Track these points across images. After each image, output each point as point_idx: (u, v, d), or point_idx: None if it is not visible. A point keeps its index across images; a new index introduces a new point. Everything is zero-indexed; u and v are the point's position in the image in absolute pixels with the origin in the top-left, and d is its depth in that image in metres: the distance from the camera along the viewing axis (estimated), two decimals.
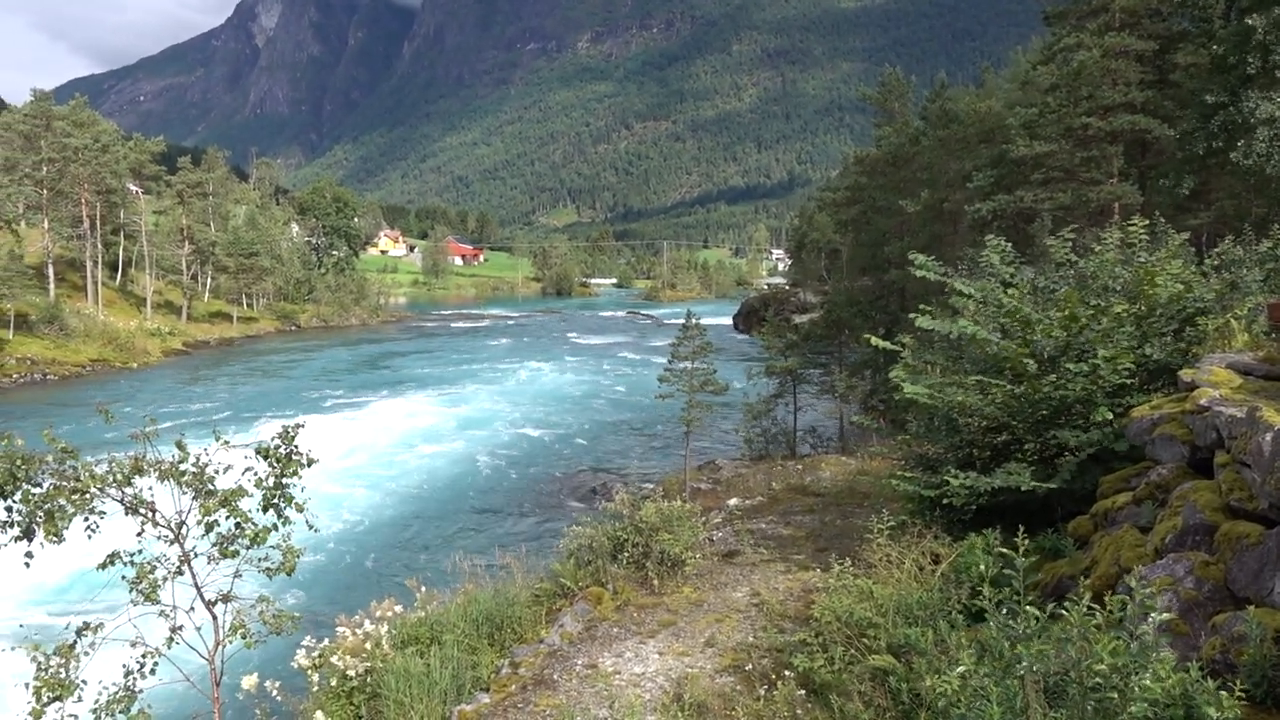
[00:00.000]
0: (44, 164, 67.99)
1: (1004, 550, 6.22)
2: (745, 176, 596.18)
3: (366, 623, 12.04)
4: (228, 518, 7.72)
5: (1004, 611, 5.64)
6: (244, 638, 7.86)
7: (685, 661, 11.68)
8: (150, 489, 7.89)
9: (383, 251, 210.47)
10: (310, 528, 7.99)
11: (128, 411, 44.62)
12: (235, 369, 62.11)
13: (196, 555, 7.93)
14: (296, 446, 7.87)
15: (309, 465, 7.96)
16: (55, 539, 7.75)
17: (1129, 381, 11.60)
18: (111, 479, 7.42)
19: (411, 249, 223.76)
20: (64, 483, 7.42)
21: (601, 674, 11.48)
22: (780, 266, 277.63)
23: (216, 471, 7.76)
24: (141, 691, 8.69)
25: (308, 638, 13.37)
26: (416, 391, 49.39)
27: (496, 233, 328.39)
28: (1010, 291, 13.50)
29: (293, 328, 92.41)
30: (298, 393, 50.43)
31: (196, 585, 7.90)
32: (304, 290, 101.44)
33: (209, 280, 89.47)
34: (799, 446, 29.40)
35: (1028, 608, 5.46)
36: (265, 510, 7.83)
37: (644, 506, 15.14)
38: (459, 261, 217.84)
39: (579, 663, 11.92)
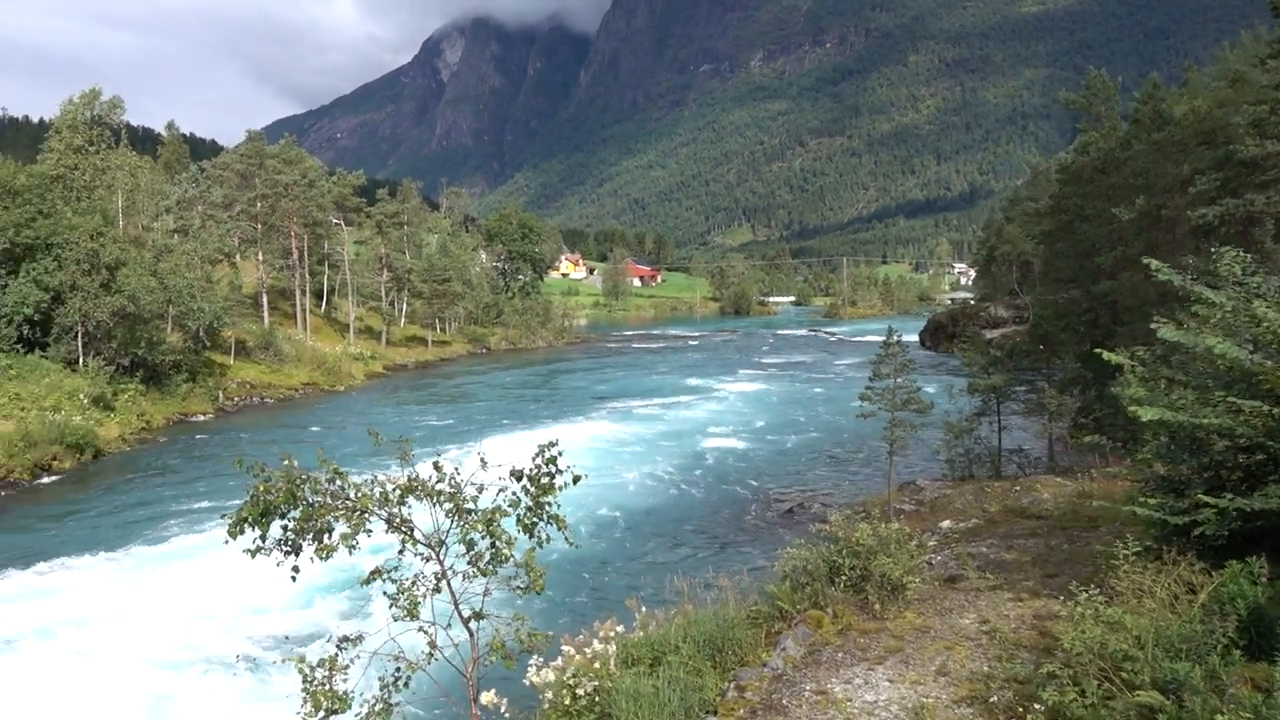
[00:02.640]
0: (258, 200, 72.87)
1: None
2: (924, 189, 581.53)
3: (595, 642, 12.14)
4: (484, 537, 7.88)
5: None
6: (504, 658, 8.00)
7: (919, 690, 11.24)
8: (409, 507, 8.15)
9: (564, 274, 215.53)
10: (570, 543, 8.05)
11: (346, 432, 47.01)
12: (434, 390, 64.68)
13: (454, 573, 8.14)
14: (556, 466, 7.97)
15: (575, 482, 8.05)
16: (325, 556, 8.10)
17: None
18: (384, 499, 7.69)
19: (591, 271, 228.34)
20: (337, 502, 7.74)
21: (832, 701, 11.19)
22: (964, 280, 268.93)
23: (478, 491, 7.94)
24: (398, 704, 8.98)
25: (534, 655, 13.61)
26: (607, 411, 50.13)
27: (673, 253, 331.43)
28: (1257, 303, 12.44)
29: (483, 350, 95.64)
30: (496, 413, 52.03)
31: (455, 602, 8.10)
32: (492, 314, 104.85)
33: (405, 306, 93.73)
34: (1004, 467, 28.20)
35: None
36: (524, 531, 7.96)
37: (859, 528, 14.75)
38: (637, 283, 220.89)
39: (807, 688, 11.65)
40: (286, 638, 17.42)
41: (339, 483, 7.80)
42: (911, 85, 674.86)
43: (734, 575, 15.46)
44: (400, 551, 8.25)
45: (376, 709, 8.65)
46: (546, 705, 11.72)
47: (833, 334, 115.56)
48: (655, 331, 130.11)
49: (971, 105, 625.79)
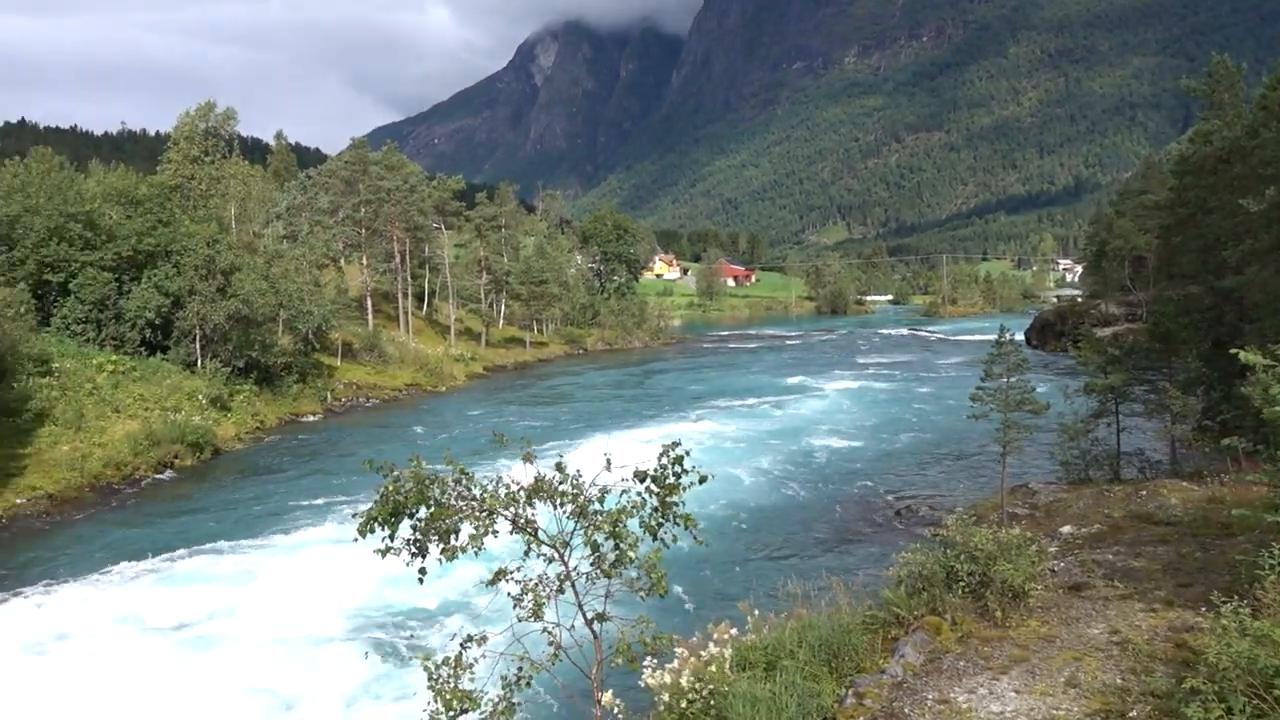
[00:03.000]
0: (362, 205, 74.63)
1: None
2: (1026, 184, 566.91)
3: (711, 645, 12.07)
4: (608, 538, 7.88)
5: None
6: (630, 660, 7.99)
7: (1048, 703, 10.91)
8: (533, 509, 8.18)
9: (657, 275, 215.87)
10: (698, 541, 8.00)
11: (450, 433, 47.80)
12: (533, 391, 65.42)
13: (579, 575, 8.17)
14: (682, 466, 7.92)
15: (701, 482, 8.00)
16: (450, 557, 8.19)
17: None
18: (510, 500, 7.74)
19: (684, 272, 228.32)
20: (464, 503, 7.83)
21: (956, 710, 10.94)
22: (1069, 277, 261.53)
23: (601, 493, 7.93)
24: (519, 703, 9.04)
25: (648, 657, 13.60)
26: (709, 410, 49.91)
27: (767, 253, 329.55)
28: None
29: (580, 351, 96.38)
30: (597, 412, 52.34)
31: (579, 604, 8.13)
32: (588, 315, 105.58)
33: (503, 307, 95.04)
34: (1123, 470, 27.25)
35: None
36: (648, 533, 7.93)
37: (977, 533, 14.41)
38: (731, 283, 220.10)
39: (929, 697, 11.41)
40: (401, 632, 17.75)
41: (465, 483, 7.88)
42: (1012, 77, 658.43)
43: (843, 578, 15.26)
44: (525, 553, 8.29)
45: (500, 708, 8.72)
46: (661, 707, 11.69)
47: (933, 333, 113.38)
48: (751, 331, 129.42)
49: (1076, 96, 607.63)
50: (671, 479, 7.91)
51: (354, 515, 7.91)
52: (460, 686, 8.63)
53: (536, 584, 8.25)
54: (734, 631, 13.04)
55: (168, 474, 37.94)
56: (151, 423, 40.24)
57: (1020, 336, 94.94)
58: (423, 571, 8.48)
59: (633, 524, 8.20)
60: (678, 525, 8.00)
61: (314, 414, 53.39)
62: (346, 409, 56.37)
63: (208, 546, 26.38)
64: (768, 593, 18.13)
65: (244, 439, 45.23)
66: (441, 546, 7.88)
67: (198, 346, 48.55)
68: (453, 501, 7.79)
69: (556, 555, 8.00)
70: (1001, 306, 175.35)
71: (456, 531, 7.94)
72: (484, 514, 7.61)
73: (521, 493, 7.83)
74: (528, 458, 8.15)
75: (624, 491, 8.04)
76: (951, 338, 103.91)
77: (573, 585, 8.07)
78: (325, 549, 24.13)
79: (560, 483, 7.93)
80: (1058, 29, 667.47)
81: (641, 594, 8.17)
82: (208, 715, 15.74)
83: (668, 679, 11.37)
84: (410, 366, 66.85)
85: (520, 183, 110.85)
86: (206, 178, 61.79)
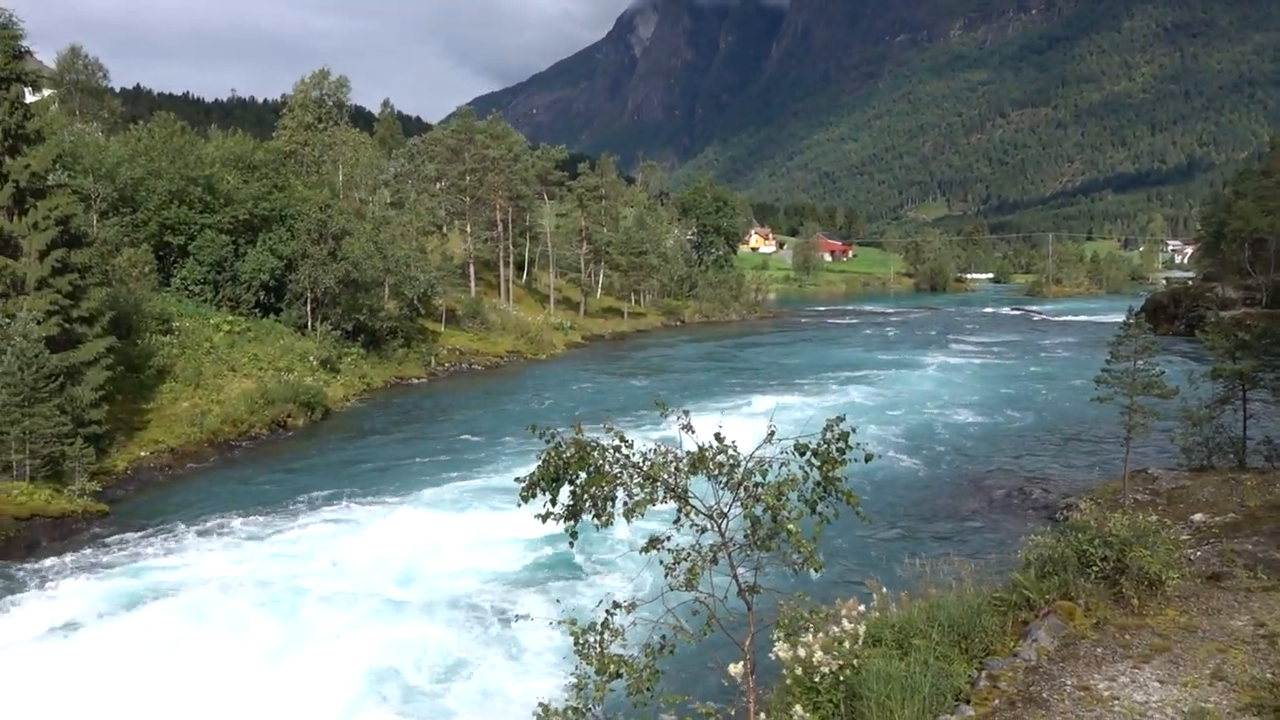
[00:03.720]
0: (467, 174, 75.51)
1: None
2: (1136, 162, 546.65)
3: (844, 621, 11.93)
4: (766, 510, 7.79)
5: None
6: (789, 634, 7.91)
7: (1194, 694, 10.55)
8: (689, 478, 8.11)
9: (753, 249, 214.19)
10: (862, 518, 7.87)
11: (553, 399, 48.21)
12: (633, 361, 65.65)
13: (734, 546, 8.10)
14: (846, 443, 7.78)
15: (867, 460, 7.86)
16: (606, 523, 8.19)
17: None
18: (674, 468, 7.70)
19: (780, 246, 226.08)
20: (625, 470, 7.81)
21: (1097, 698, 10.64)
22: (1178, 259, 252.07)
23: (764, 466, 7.83)
24: (662, 672, 9.05)
25: (775, 630, 13.52)
26: (811, 384, 49.20)
27: (864, 228, 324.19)
28: None
29: (677, 323, 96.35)
30: (702, 384, 52.19)
31: (735, 575, 8.08)
32: (686, 287, 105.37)
33: (600, 278, 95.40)
34: (1249, 458, 26.18)
35: None
36: (807, 507, 7.82)
37: (1112, 518, 14.01)
38: (828, 258, 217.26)
39: (1067, 683, 11.12)
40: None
41: (625, 450, 7.86)
42: (1125, 52, 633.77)
43: (962, 558, 15.00)
44: (675, 522, 8.26)
45: (645, 675, 8.74)
46: (790, 680, 11.61)
47: (1038, 313, 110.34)
48: (849, 307, 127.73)
49: (1192, 72, 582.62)
50: (835, 454, 7.76)
51: (516, 479, 7.97)
52: (607, 652, 8.68)
53: (689, 554, 8.20)
54: (862, 608, 12.91)
55: (280, 433, 39.07)
56: (266, 382, 41.48)
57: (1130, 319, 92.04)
58: (574, 536, 8.51)
59: (790, 496, 8.08)
60: (839, 500, 7.86)
61: (418, 378, 54.42)
62: (450, 374, 57.34)
63: (323, 504, 27.13)
64: (886, 568, 17.93)
65: (351, 400, 46.36)
66: (595, 513, 7.89)
67: (308, 309, 49.80)
68: (611, 468, 7.78)
69: (713, 526, 7.94)
70: (1108, 288, 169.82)
71: (613, 499, 7.94)
72: (646, 482, 7.57)
73: (679, 462, 7.77)
74: (685, 428, 8.08)
75: (783, 465, 7.92)
76: (1057, 318, 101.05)
77: (729, 556, 8.00)
78: (443, 512, 24.58)
79: (718, 453, 7.85)
80: (1175, 2, 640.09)
81: (794, 567, 8.08)
82: (316, 666, 16.07)
83: (802, 653, 11.27)
84: (511, 334, 67.62)
85: (616, 154, 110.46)
86: (319, 144, 63.16)
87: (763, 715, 10.22)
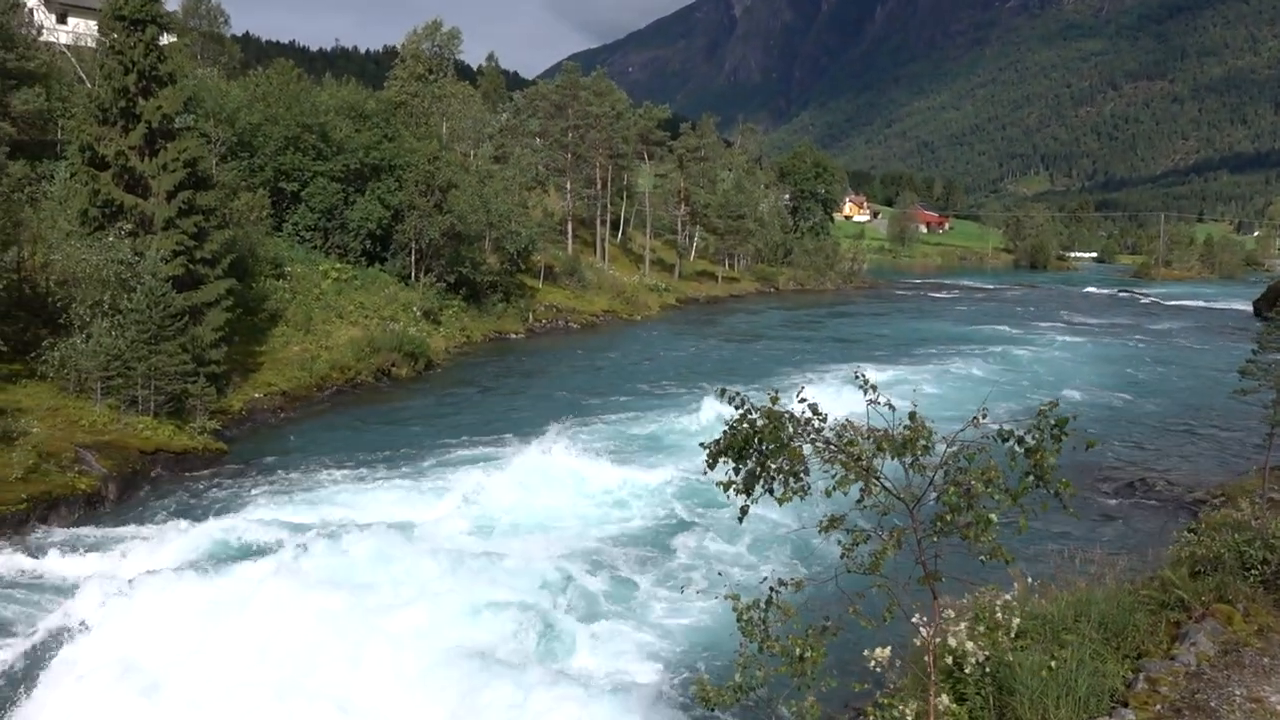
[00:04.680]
0: (570, 130, 75.33)
1: None
2: (1256, 142, 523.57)
3: (998, 611, 11.53)
4: (962, 497, 7.44)
5: None
6: (991, 627, 7.61)
7: None
8: (883, 457, 7.77)
9: (847, 217, 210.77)
10: (1072, 515, 7.49)
11: (651, 361, 48.11)
12: (728, 325, 65.26)
13: (921, 530, 7.79)
14: (1063, 431, 7.37)
15: (1087, 449, 7.45)
16: (788, 498, 7.92)
17: None
18: (874, 446, 7.39)
19: (875, 215, 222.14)
20: (811, 444, 7.52)
21: (1271, 712, 10.10)
22: None
23: (967, 451, 7.47)
24: (826, 655, 8.81)
25: (916, 616, 13.16)
26: (920, 360, 47.87)
27: (962, 200, 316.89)
28: None
29: (771, 289, 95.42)
30: (799, 351, 51.71)
31: (922, 561, 7.77)
32: (780, 253, 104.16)
33: (695, 241, 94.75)
34: None
35: None
36: (1009, 496, 7.46)
37: (1274, 520, 13.34)
38: (923, 229, 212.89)
39: (1236, 693, 10.58)
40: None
41: (817, 424, 7.57)
42: (1252, 24, 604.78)
43: (1099, 551, 14.46)
44: (858, 502, 7.96)
45: (804, 655, 8.53)
46: (929, 668, 11.28)
47: (1146, 295, 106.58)
48: (946, 281, 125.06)
49: None
50: (1048, 442, 7.35)
51: (701, 445, 7.76)
52: (770, 630, 8.48)
53: (868, 535, 7.90)
54: (1006, 597, 12.50)
55: (385, 381, 39.63)
56: (372, 330, 42.09)
57: (1246, 307, 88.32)
58: (744, 510, 8.27)
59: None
60: (1047, 491, 7.46)
61: (516, 333, 54.78)
62: (547, 330, 57.62)
63: (437, 453, 27.36)
64: (1030, 560, 17.39)
65: (452, 352, 46.82)
66: (781, 487, 7.62)
67: (412, 260, 50.31)
68: (800, 442, 7.49)
69: (906, 509, 7.62)
70: (1220, 272, 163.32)
71: (797, 475, 7.66)
72: (854, 460, 7.26)
73: (877, 440, 7.45)
74: (874, 401, 7.75)
75: (978, 451, 7.53)
76: (1167, 302, 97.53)
77: (918, 542, 7.69)
78: (562, 465, 24.57)
79: (915, 437, 7.50)
80: None
81: (982, 558, 7.74)
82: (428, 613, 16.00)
83: (952, 641, 10.92)
84: (607, 293, 67.62)
85: (717, 115, 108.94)
86: (429, 96, 63.54)
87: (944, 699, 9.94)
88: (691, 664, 15.17)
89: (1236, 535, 13.61)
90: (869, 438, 7.38)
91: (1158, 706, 10.46)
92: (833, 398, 32.50)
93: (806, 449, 7.64)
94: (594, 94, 78.55)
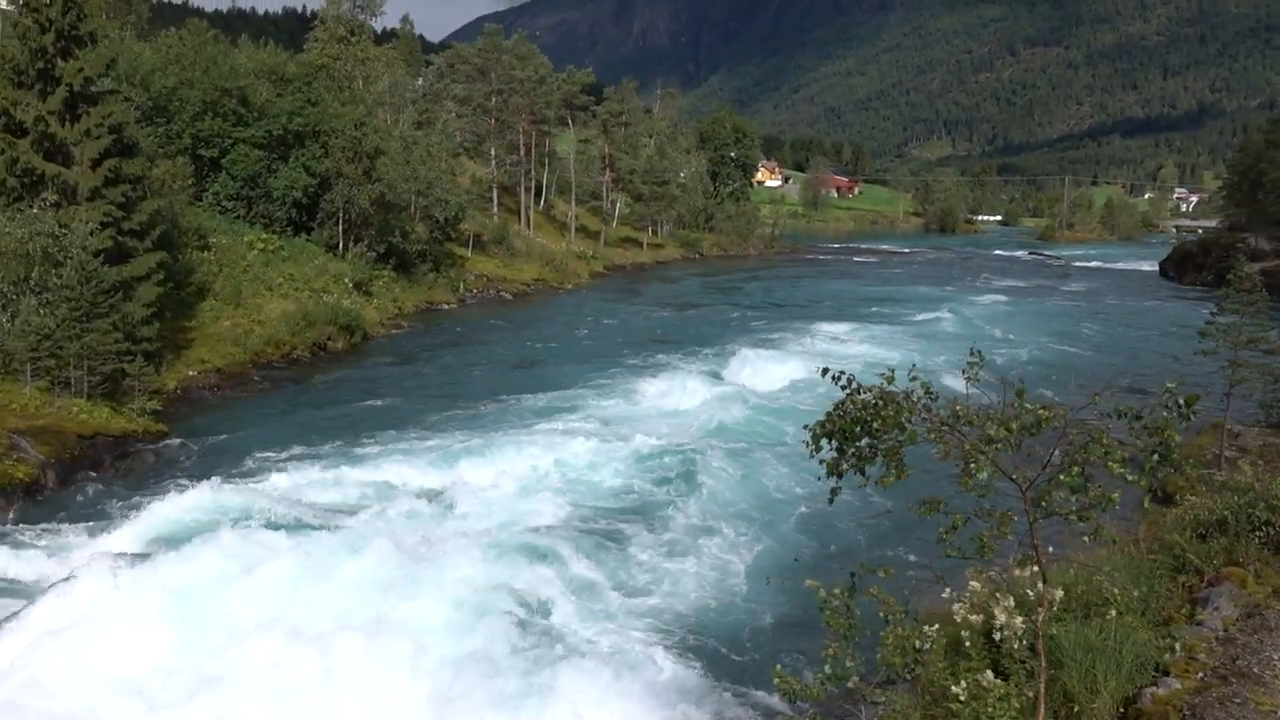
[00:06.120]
0: (493, 95, 73.74)
1: None
2: (1146, 107, 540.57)
3: (1040, 584, 11.37)
4: (1078, 478, 7.18)
5: None
6: (1101, 610, 7.36)
7: None
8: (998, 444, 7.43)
9: (759, 182, 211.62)
10: (1192, 488, 7.26)
11: (588, 330, 47.43)
12: (661, 292, 64.84)
13: (1037, 514, 7.52)
14: (1190, 409, 7.13)
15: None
16: (898, 477, 7.54)
17: None
18: (995, 428, 7.04)
19: (786, 180, 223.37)
20: (924, 426, 7.16)
21: None
22: (1183, 206, 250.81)
23: (1100, 431, 7.20)
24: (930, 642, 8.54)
25: (947, 590, 13.00)
26: (870, 323, 47.90)
27: (870, 165, 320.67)
28: None
29: (696, 255, 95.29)
30: (741, 318, 51.42)
31: (1035, 545, 7.51)
32: (702, 219, 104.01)
33: (618, 208, 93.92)
34: None
35: None
36: (1131, 477, 7.22)
37: (1274, 481, 13.51)
38: (834, 194, 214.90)
39: (1274, 657, 10.64)
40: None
41: (929, 404, 7.20)
42: None
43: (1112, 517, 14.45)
44: (961, 483, 7.64)
45: (898, 646, 8.28)
46: (966, 644, 11.13)
47: (1056, 258, 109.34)
48: (863, 245, 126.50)
49: (1209, 15, 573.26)
50: (1176, 420, 7.11)
51: (805, 427, 7.33)
52: (852, 617, 8.17)
53: (965, 521, 7.60)
54: (1034, 569, 12.40)
55: (321, 355, 38.37)
56: (304, 303, 40.66)
57: (1151, 267, 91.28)
58: (834, 492, 7.91)
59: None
60: (1172, 468, 7.23)
61: (448, 303, 53.64)
62: (479, 300, 56.58)
63: (386, 428, 26.42)
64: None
65: (386, 324, 45.60)
66: (892, 470, 7.25)
67: (340, 229, 48.74)
68: (910, 422, 7.12)
69: (1020, 492, 7.31)
70: (1120, 234, 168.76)
71: (901, 457, 7.30)
72: (988, 445, 6.90)
73: (996, 423, 7.10)
74: (972, 378, 7.40)
75: (1094, 438, 7.25)
76: (1078, 264, 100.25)
77: (1030, 526, 7.40)
78: (510, 444, 23.88)
79: (1047, 417, 7.18)
80: None
81: (1088, 536, 7.50)
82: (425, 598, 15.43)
83: (1002, 617, 10.72)
84: (536, 262, 66.63)
85: (618, 81, 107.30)
86: (352, 59, 61.39)
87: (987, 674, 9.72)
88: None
89: (1238, 497, 13.73)
90: (993, 420, 7.05)
91: (1200, 675, 10.41)
92: (779, 363, 32.23)
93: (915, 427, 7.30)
94: (516, 58, 76.94)
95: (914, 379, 7.29)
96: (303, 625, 14.10)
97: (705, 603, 15.76)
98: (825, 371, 7.42)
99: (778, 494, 21.23)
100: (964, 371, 7.53)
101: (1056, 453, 7.26)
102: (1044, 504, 7.42)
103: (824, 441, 7.30)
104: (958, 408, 7.14)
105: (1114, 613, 11.58)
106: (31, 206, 27.47)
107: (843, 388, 7.23)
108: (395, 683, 13.29)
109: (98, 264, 26.07)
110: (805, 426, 7.42)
